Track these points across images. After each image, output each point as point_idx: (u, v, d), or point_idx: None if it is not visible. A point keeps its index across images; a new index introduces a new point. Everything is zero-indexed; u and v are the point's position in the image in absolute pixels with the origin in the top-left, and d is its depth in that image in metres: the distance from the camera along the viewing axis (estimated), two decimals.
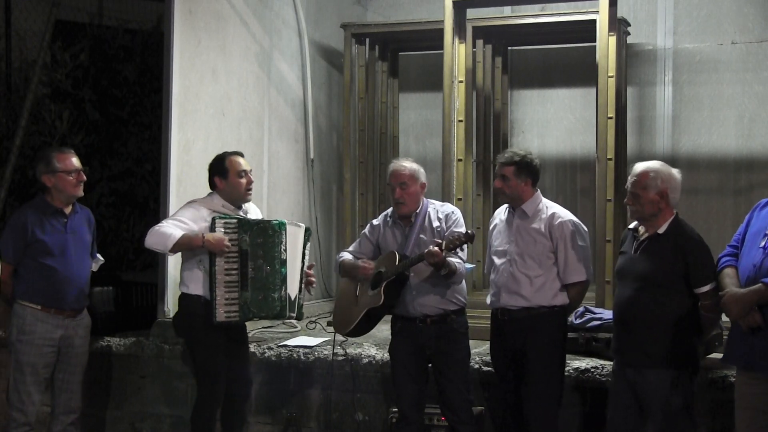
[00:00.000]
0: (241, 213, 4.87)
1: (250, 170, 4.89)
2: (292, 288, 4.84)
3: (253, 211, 5.01)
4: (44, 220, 4.83)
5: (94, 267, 5.15)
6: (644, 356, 4.05)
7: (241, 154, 4.93)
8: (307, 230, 5.00)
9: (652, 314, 4.03)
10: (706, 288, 3.99)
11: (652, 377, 4.02)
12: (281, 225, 4.82)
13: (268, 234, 4.76)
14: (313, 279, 5.01)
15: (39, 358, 4.83)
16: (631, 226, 4.27)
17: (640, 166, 4.16)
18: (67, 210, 4.92)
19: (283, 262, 4.78)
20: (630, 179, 4.15)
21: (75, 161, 4.89)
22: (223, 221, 4.71)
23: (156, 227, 4.72)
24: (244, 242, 4.72)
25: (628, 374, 4.12)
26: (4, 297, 4.87)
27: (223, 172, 4.83)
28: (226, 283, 4.68)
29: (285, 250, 4.79)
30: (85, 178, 4.94)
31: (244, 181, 4.82)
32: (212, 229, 4.69)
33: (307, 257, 4.98)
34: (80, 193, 4.92)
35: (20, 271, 4.84)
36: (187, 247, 4.71)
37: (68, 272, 4.87)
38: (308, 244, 4.99)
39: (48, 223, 4.84)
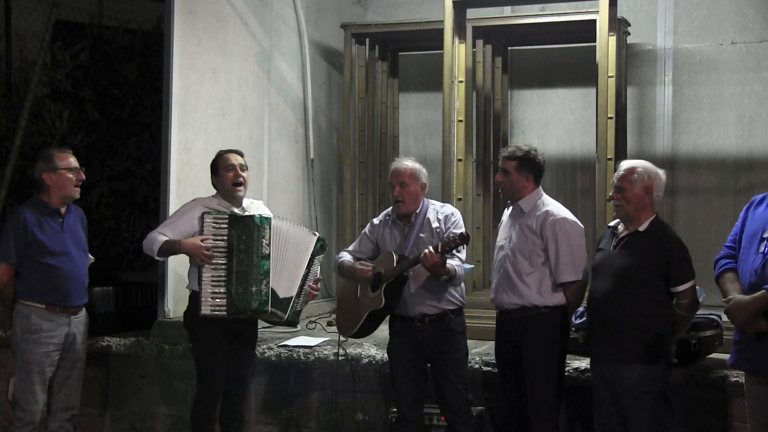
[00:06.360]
0: (237, 210, 4.85)
1: (241, 165, 4.85)
2: (281, 287, 4.81)
3: (257, 209, 4.96)
4: (42, 220, 4.82)
5: None
6: (620, 353, 4.06)
7: (238, 152, 4.92)
8: (319, 240, 4.97)
9: (629, 311, 4.05)
10: (683, 287, 4.04)
11: (628, 373, 4.03)
12: (264, 220, 4.79)
13: (249, 228, 4.74)
14: (316, 293, 5.00)
15: (45, 356, 4.82)
16: (612, 224, 4.32)
17: (627, 162, 4.25)
18: (63, 209, 4.92)
19: (265, 256, 4.75)
20: (616, 174, 4.21)
21: (74, 161, 4.92)
22: (212, 216, 4.74)
23: (150, 233, 4.81)
24: (232, 237, 4.73)
25: (605, 373, 4.14)
26: (6, 298, 4.87)
27: (215, 169, 4.89)
28: (213, 277, 4.70)
29: (267, 245, 4.76)
30: (83, 177, 4.95)
31: (230, 174, 4.82)
32: (201, 224, 4.72)
33: (315, 267, 4.95)
34: (77, 194, 4.93)
35: (21, 272, 4.82)
36: (170, 252, 4.80)
37: (70, 270, 4.87)
38: (320, 256, 4.97)
39: (46, 223, 4.83)
